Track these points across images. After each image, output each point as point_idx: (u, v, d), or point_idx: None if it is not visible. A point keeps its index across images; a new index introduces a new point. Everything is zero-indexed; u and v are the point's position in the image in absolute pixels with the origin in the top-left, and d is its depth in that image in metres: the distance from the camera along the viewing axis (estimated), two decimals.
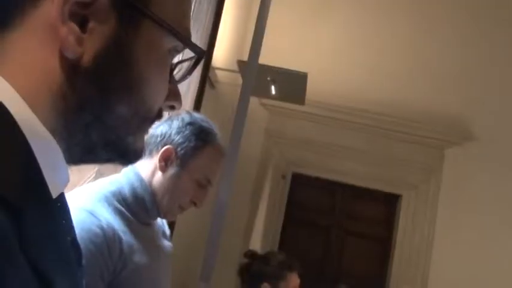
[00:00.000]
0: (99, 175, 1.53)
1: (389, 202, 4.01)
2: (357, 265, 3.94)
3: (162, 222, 1.25)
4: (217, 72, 3.18)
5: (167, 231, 1.28)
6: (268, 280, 2.01)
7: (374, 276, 3.91)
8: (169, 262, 1.21)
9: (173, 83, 0.53)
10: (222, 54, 3.22)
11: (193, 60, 0.54)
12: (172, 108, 0.54)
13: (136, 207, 1.09)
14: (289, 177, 3.95)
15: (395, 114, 3.89)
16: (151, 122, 0.51)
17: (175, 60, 0.55)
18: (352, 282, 3.54)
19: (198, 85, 1.66)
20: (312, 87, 3.26)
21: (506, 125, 3.95)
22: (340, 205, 4.08)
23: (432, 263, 3.74)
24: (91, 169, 1.66)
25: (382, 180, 3.92)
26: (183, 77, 0.56)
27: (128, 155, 0.50)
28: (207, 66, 1.69)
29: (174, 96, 0.53)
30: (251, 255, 2.16)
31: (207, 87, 3.15)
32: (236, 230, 3.75)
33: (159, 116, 0.52)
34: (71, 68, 0.43)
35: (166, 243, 1.23)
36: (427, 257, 3.74)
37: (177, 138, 1.11)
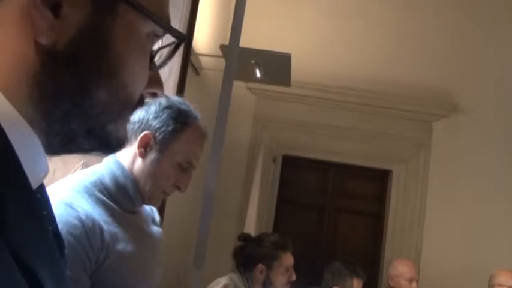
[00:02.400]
0: (85, 168, 1.52)
1: (381, 178, 4.05)
2: (351, 241, 3.99)
3: (151, 209, 1.25)
4: (202, 58, 3.16)
5: (157, 218, 1.28)
6: (263, 261, 2.03)
7: (368, 251, 3.97)
8: (160, 249, 1.21)
9: (154, 69, 0.52)
10: (205, 40, 3.20)
11: (174, 45, 0.53)
12: (154, 95, 0.53)
13: (119, 195, 1.08)
14: (280, 160, 3.97)
15: (382, 90, 3.90)
16: (133, 109, 0.50)
17: (156, 47, 0.54)
18: (347, 258, 3.58)
19: (179, 71, 1.65)
20: (298, 68, 3.25)
21: (491, 96, 3.98)
22: (332, 184, 4.11)
23: (425, 235, 3.79)
24: (76, 162, 1.65)
25: (372, 156, 3.95)
26: (164, 63, 0.55)
27: (110, 144, 0.49)
28: (188, 52, 1.68)
29: (155, 82, 0.52)
30: (244, 238, 2.18)
31: (192, 75, 3.14)
32: (230, 215, 3.77)
33: (140, 103, 0.51)
34: (46, 54, 0.42)
35: (156, 230, 1.23)
36: (419, 230, 3.79)
37: (155, 123, 1.10)
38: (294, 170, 4.09)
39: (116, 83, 0.46)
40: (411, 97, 3.91)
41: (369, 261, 3.94)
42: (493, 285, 3.06)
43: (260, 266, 2.03)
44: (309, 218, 4.09)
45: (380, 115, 3.93)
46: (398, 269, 3.00)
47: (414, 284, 2.92)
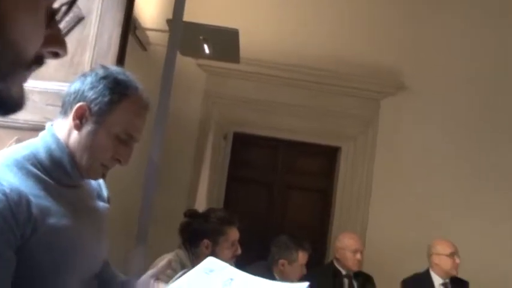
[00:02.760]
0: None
1: (330, 155, 4.14)
2: (300, 217, 4.09)
3: (98, 184, 1.23)
4: (149, 34, 3.09)
5: (105, 193, 1.25)
6: (208, 236, 2.04)
7: (317, 225, 4.08)
8: (103, 223, 1.19)
9: (54, 28, 0.50)
10: (152, 15, 3.12)
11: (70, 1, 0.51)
12: (55, 55, 0.52)
13: (54, 170, 1.05)
14: (230, 137, 3.97)
15: (332, 68, 3.96)
16: (26, 68, 0.48)
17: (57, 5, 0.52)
18: (296, 232, 3.67)
19: (119, 43, 1.60)
20: (248, 45, 3.24)
21: (437, 75, 4.12)
22: (281, 161, 4.17)
23: (371, 209, 3.93)
24: (9, 139, 1.59)
25: (321, 134, 4.02)
26: (60, 20, 0.53)
27: (3, 104, 0.47)
28: (127, 22, 1.64)
29: (55, 41, 0.50)
30: (190, 214, 2.18)
31: (139, 50, 3.06)
32: (180, 192, 3.76)
33: (38, 62, 0.50)
34: None
35: (102, 205, 1.20)
36: (365, 205, 3.92)
37: (91, 94, 1.07)
38: (244, 147, 4.11)
39: (2, 40, 0.44)
40: (359, 75, 3.99)
41: (318, 235, 4.05)
42: (431, 255, 3.23)
43: (206, 242, 2.04)
44: (259, 195, 4.15)
45: (329, 93, 3.99)
46: (344, 241, 3.11)
47: (358, 255, 3.04)
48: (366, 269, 3.69)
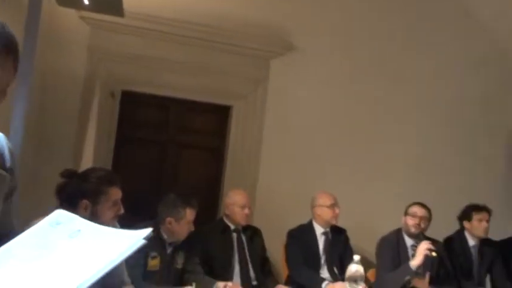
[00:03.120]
0: None
1: (221, 113, 4.16)
2: (193, 175, 4.11)
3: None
4: None
5: (7, 156, 1.13)
6: (87, 197, 1.96)
7: (210, 183, 4.13)
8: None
9: None
10: None
11: None
12: None
13: None
14: (118, 95, 3.81)
15: (223, 26, 3.92)
16: None
17: None
18: (189, 190, 3.69)
19: None
20: None
21: (325, 36, 4.27)
22: (173, 120, 4.11)
23: (261, 165, 4.06)
24: None
25: (213, 92, 4.02)
26: None
27: None
28: None
29: None
30: (68, 174, 2.07)
31: None
32: (64, 153, 3.57)
33: None
34: None
35: None
36: (256, 162, 4.04)
37: None
38: (133, 106, 3.97)
39: None
40: (250, 34, 4.01)
41: (210, 193, 4.11)
42: (314, 206, 3.46)
43: (84, 202, 1.96)
44: (151, 154, 4.07)
45: (220, 51, 3.97)
46: (233, 197, 3.20)
47: (246, 210, 3.15)
48: (257, 223, 3.85)
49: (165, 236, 2.58)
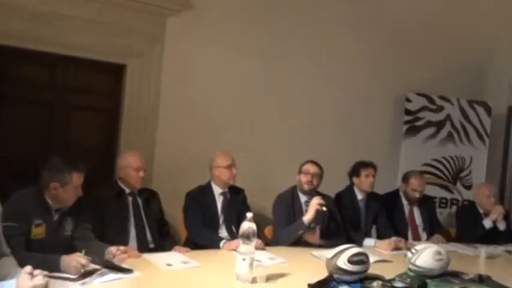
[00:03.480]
0: None
1: (115, 73, 3.94)
2: (86, 138, 3.89)
3: None
4: None
5: None
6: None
7: (104, 146, 3.95)
8: None
9: None
10: None
11: None
12: None
13: None
14: None
15: None
16: None
17: None
18: (82, 154, 3.50)
19: None
20: None
21: None
22: (62, 79, 3.82)
23: (159, 127, 3.95)
24: None
25: (105, 50, 3.78)
26: None
27: None
28: None
29: None
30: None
31: None
32: None
33: None
34: None
35: None
36: (153, 123, 3.93)
37: None
38: (16, 63, 3.61)
39: None
40: None
41: (106, 156, 3.94)
42: (212, 167, 3.46)
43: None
44: (38, 116, 3.77)
45: (113, 6, 3.72)
46: (126, 159, 3.08)
47: (141, 172, 3.05)
48: (156, 186, 3.78)
49: (50, 203, 2.42)
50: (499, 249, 3.77)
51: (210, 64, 4.14)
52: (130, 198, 3.09)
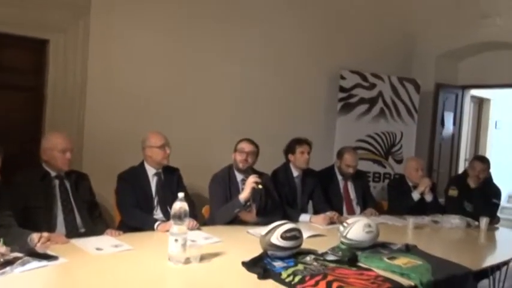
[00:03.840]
0: None
1: (37, 48, 3.68)
2: (9, 119, 3.61)
3: None
4: None
5: None
6: None
7: (29, 126, 3.69)
8: None
9: None
10: None
11: None
12: None
13: None
14: None
15: None
16: None
17: None
18: (3, 135, 3.27)
19: None
20: None
21: None
22: None
23: (87, 106, 3.76)
24: None
25: (25, 24, 3.50)
26: None
27: None
28: None
29: None
30: None
31: None
32: None
33: None
34: None
35: None
36: (81, 101, 3.73)
37: None
38: None
39: None
40: None
41: (29, 137, 3.69)
42: (144, 148, 3.35)
43: None
44: None
45: None
46: (51, 141, 2.91)
47: (68, 154, 2.89)
48: (86, 167, 3.62)
49: None
50: (426, 219, 3.97)
51: (139, 39, 3.98)
52: (56, 182, 2.93)
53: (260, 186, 3.27)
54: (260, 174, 3.47)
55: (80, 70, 3.69)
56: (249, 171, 3.47)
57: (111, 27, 3.83)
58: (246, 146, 3.50)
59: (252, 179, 3.26)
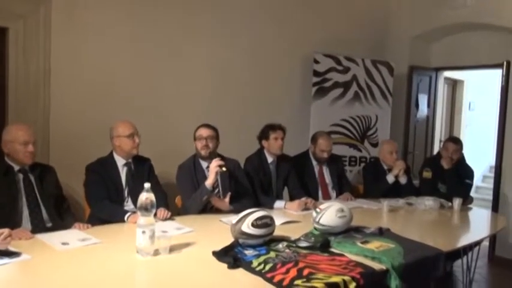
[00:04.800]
0: None
1: None
2: None
3: None
4: None
5: None
6: None
7: None
8: None
9: None
10: None
11: None
12: None
13: None
14: None
15: None
16: None
17: None
18: None
19: None
20: None
21: None
22: None
23: (52, 96, 3.62)
24: None
25: None
26: None
27: None
28: None
29: None
30: None
31: None
32: None
33: None
34: None
35: None
36: (46, 91, 3.58)
37: None
38: None
39: None
40: None
41: None
42: (113, 137, 3.24)
43: None
44: None
45: None
46: (12, 133, 2.79)
47: (30, 146, 2.78)
48: (54, 159, 3.50)
49: None
50: (401, 201, 3.98)
51: (103, 25, 3.83)
52: (20, 176, 2.82)
53: (224, 169, 3.22)
54: (223, 158, 3.40)
55: (42, 59, 3.54)
56: (212, 156, 3.38)
57: (74, 13, 3.68)
58: (203, 132, 3.44)
59: (214, 163, 3.21)
